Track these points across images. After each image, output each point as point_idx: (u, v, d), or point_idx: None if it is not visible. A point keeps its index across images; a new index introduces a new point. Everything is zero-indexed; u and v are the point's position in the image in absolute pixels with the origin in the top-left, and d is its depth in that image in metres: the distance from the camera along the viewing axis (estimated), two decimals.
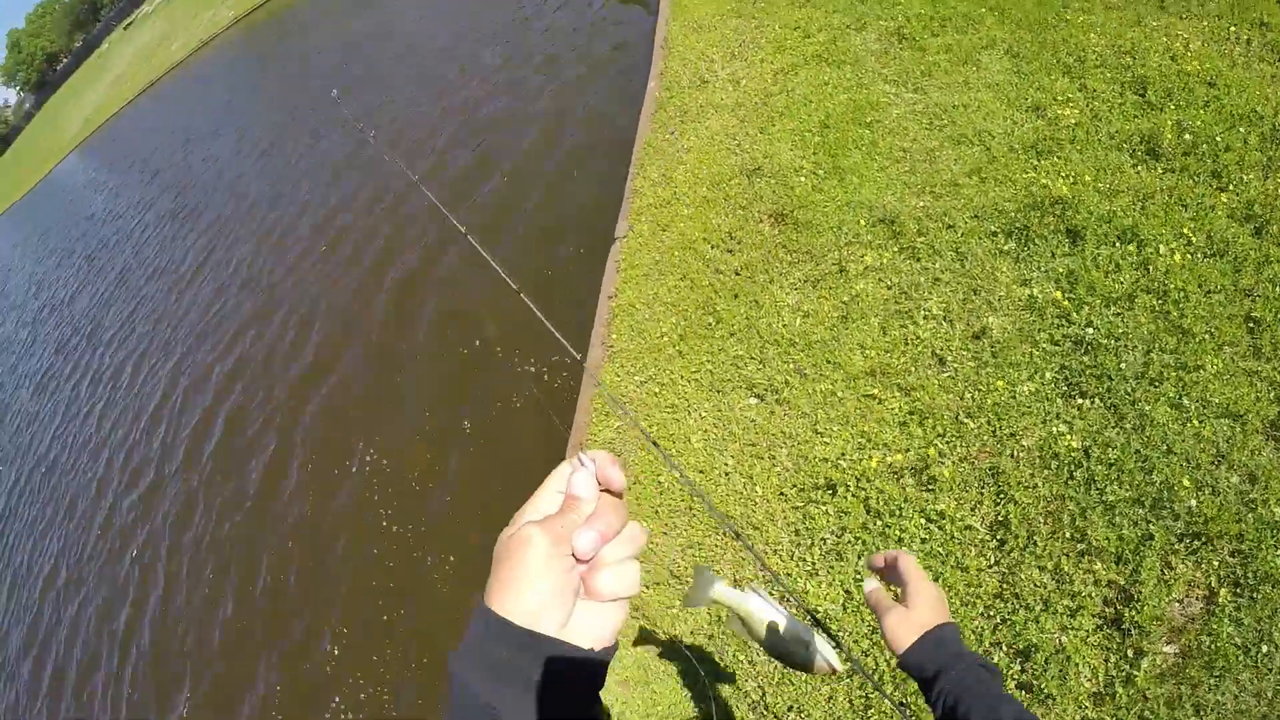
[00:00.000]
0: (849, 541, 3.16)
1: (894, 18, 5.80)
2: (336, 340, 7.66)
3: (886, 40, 5.68)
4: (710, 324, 4.46)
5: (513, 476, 4.96)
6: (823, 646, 1.30)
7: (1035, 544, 2.84)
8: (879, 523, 3.16)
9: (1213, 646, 2.44)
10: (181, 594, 6.29)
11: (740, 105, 5.92)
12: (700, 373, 4.24)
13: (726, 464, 3.72)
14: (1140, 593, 2.59)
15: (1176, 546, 2.64)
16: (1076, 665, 2.57)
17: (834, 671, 1.31)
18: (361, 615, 5.05)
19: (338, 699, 4.67)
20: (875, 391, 3.63)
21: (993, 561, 2.90)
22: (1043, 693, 2.56)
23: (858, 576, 3.05)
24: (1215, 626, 2.47)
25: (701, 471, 3.77)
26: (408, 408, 6.22)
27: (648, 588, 3.46)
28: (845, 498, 3.30)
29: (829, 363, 3.88)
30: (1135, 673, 2.47)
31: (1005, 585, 2.82)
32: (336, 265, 8.81)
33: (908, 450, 3.34)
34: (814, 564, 3.17)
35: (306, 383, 7.38)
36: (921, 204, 4.34)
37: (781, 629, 1.30)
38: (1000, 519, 2.97)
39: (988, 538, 2.96)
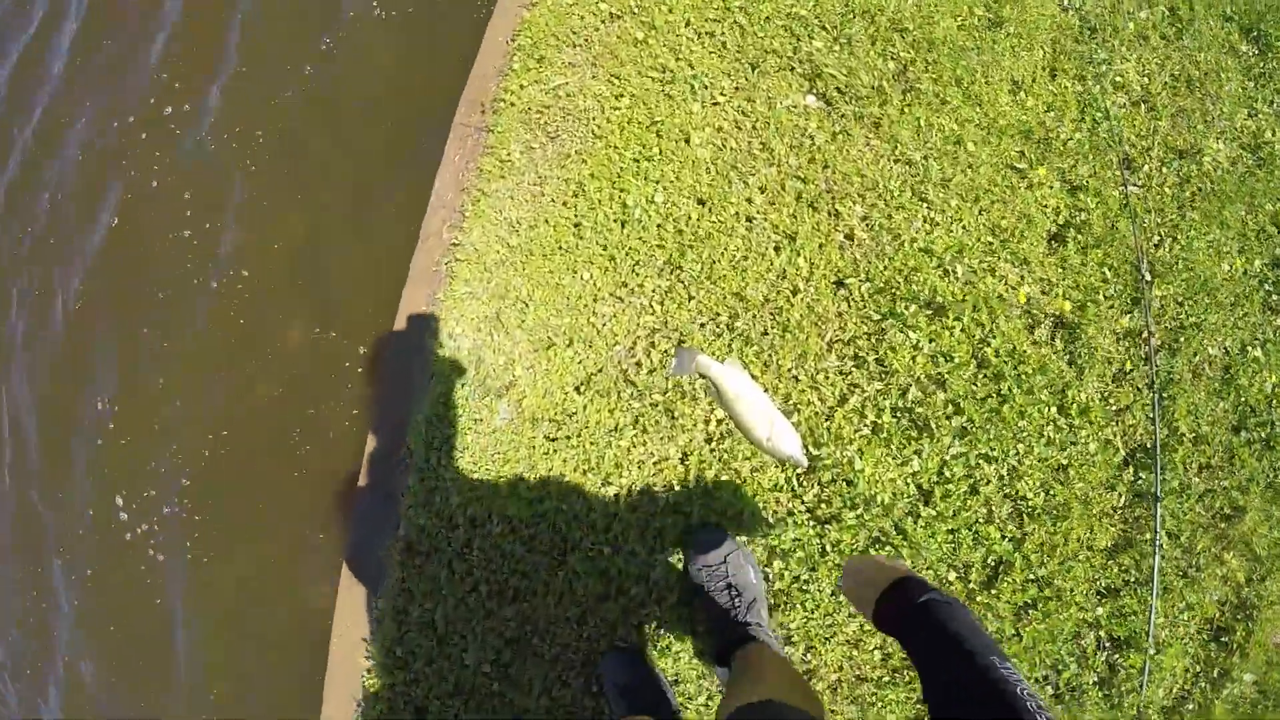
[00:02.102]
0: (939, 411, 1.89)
1: None
2: None
3: None
4: None
5: None
6: (784, 434, 1.26)
7: (1180, 540, 1.91)
8: (992, 388, 1.92)
9: None
10: None
11: None
12: (724, 24, 2.25)
13: (745, 200, 2.04)
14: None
15: None
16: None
17: (796, 464, 1.32)
18: None
19: None
20: (1024, 165, 2.17)
21: (1118, 505, 1.93)
22: None
23: (957, 451, 1.86)
24: None
25: (702, 202, 2.04)
26: None
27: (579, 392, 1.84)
28: (953, 330, 1.95)
29: (955, 83, 2.24)
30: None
31: (1121, 539, 1.90)
32: None
33: (1055, 287, 2.05)
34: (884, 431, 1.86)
35: None
36: None
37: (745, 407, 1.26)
38: (1138, 450, 1.96)
39: (1120, 470, 1.95)
